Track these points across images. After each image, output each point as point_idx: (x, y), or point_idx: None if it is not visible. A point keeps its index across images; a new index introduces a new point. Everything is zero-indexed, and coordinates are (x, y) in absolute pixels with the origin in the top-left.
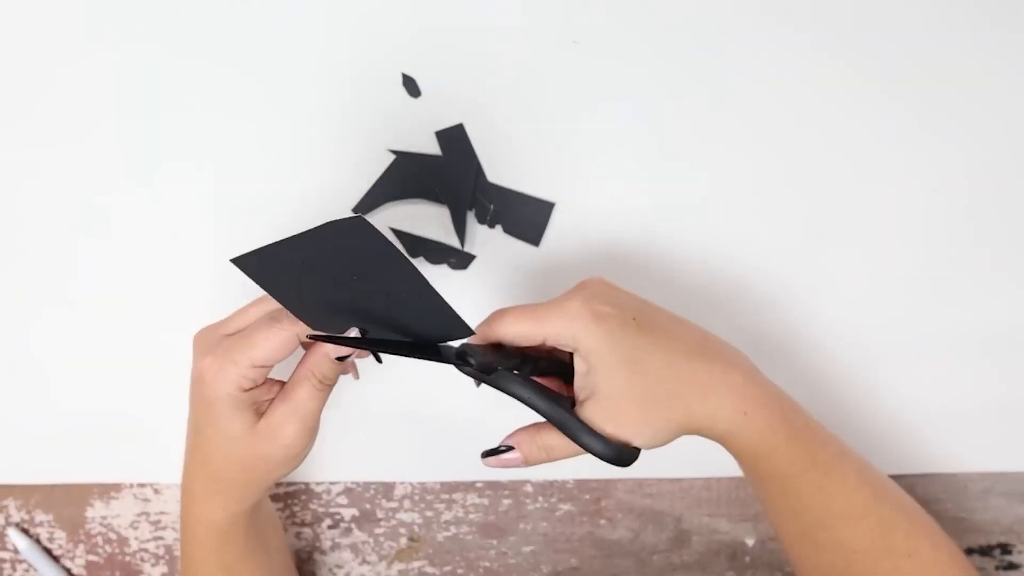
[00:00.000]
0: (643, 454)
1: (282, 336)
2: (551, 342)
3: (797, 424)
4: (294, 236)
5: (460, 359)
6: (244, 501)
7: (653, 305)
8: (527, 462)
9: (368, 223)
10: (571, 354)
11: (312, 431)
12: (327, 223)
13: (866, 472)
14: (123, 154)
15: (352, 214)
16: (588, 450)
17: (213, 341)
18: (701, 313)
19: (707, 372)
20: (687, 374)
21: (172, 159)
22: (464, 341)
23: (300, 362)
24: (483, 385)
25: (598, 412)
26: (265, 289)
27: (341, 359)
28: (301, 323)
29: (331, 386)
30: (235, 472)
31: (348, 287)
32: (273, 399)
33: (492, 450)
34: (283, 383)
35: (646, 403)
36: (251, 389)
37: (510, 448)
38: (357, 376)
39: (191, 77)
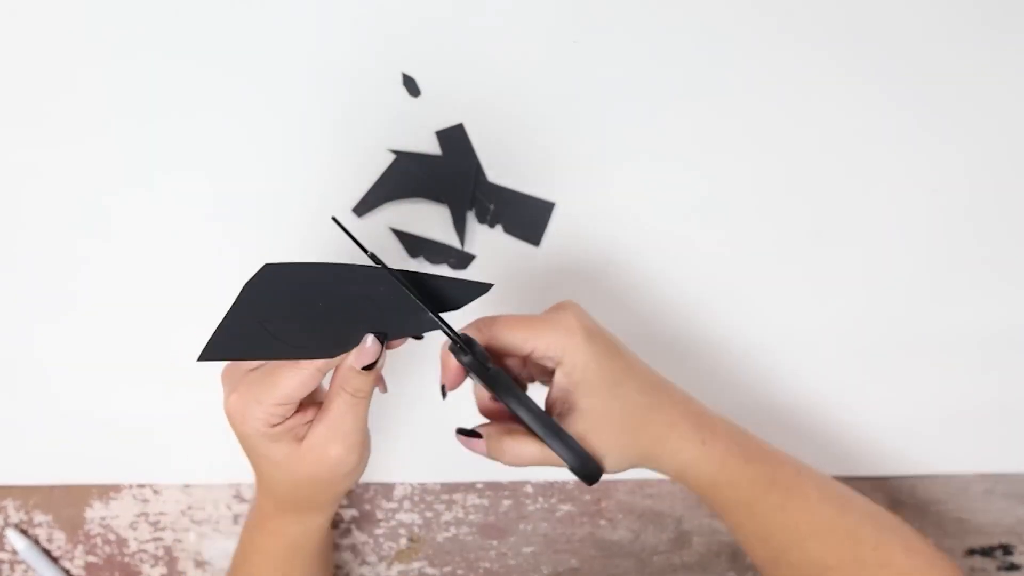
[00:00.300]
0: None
1: (303, 375)
2: (539, 353)
3: (751, 447)
4: (311, 265)
5: (464, 345)
6: (317, 516)
7: (618, 338)
8: (488, 455)
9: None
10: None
11: (358, 444)
12: (343, 265)
13: (828, 487)
14: (124, 155)
15: (371, 263)
16: (564, 459)
17: (237, 377)
18: (701, 313)
19: (671, 405)
20: (657, 404)
21: (173, 160)
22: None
23: (331, 380)
24: (447, 394)
25: (578, 426)
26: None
27: (367, 368)
28: (327, 360)
29: (365, 398)
30: (296, 494)
31: (355, 317)
32: (310, 422)
33: (468, 431)
34: (316, 401)
35: (620, 425)
36: (280, 423)
37: (479, 436)
38: (385, 389)
39: (191, 78)
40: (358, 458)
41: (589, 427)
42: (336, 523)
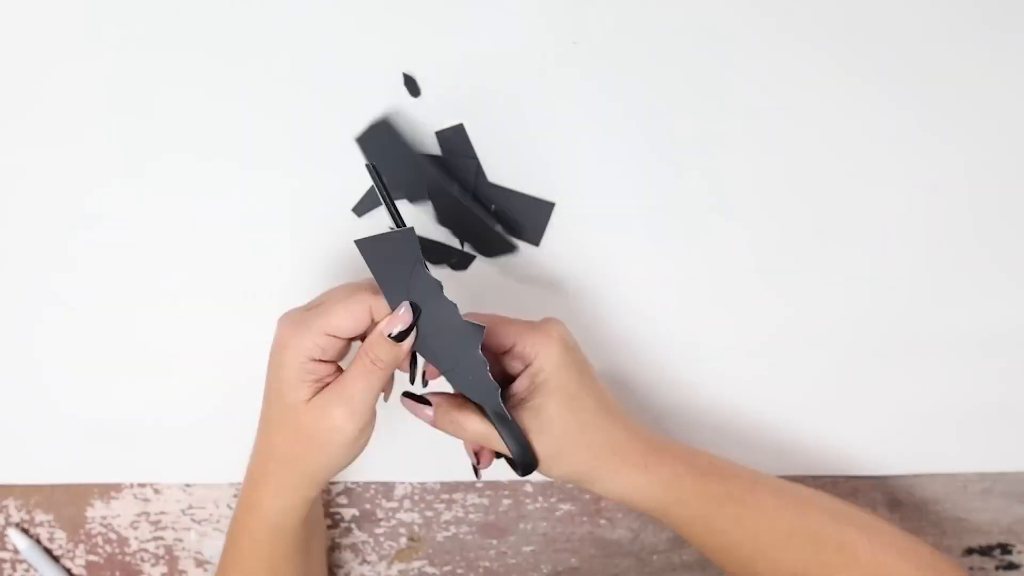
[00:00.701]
0: None
1: (357, 306)
2: (517, 350)
3: (699, 463)
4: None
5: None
6: (298, 490)
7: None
8: (434, 424)
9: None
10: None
11: (360, 416)
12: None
13: (785, 493)
14: (122, 154)
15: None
16: (506, 444)
17: (294, 315)
18: (701, 312)
19: (620, 430)
20: (605, 427)
21: (170, 159)
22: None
23: (360, 347)
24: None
25: (528, 421)
26: (373, 272)
27: (395, 338)
28: (377, 300)
29: (384, 369)
30: (289, 452)
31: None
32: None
33: (416, 396)
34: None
35: (566, 434)
36: (321, 361)
37: (428, 404)
38: (387, 397)
39: (188, 77)
40: (356, 431)
41: (537, 425)
42: (336, 522)
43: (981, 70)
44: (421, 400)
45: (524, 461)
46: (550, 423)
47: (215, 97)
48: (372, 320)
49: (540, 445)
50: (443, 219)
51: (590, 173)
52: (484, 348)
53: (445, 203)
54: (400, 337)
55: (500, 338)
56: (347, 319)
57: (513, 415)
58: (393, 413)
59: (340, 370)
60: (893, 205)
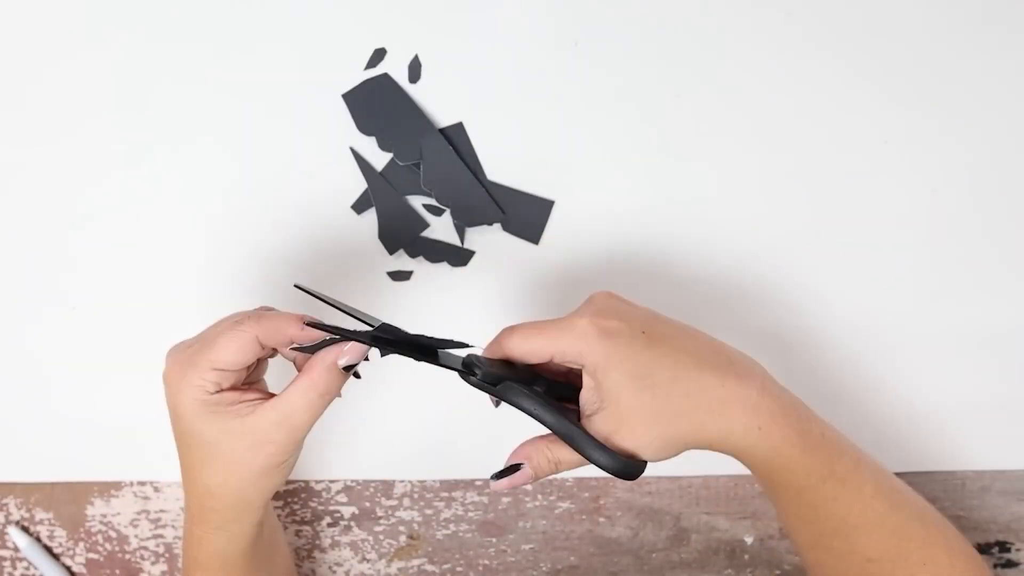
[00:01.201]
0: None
1: (242, 338)
2: (559, 359)
3: (812, 435)
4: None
5: (466, 369)
6: (240, 520)
7: (663, 317)
8: (536, 477)
9: None
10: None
11: (299, 443)
12: None
13: (883, 481)
14: (119, 153)
15: None
16: (593, 463)
17: (177, 351)
18: (702, 312)
19: (719, 387)
20: (697, 389)
21: (169, 158)
22: (471, 352)
23: (303, 370)
24: (500, 401)
25: (604, 426)
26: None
27: (348, 369)
28: (262, 326)
29: (330, 400)
30: (223, 484)
31: None
32: (254, 402)
33: (501, 472)
34: (260, 389)
35: (654, 418)
36: (217, 392)
37: (518, 466)
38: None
39: (186, 76)
40: (292, 454)
41: (616, 426)
42: (336, 520)
43: (984, 68)
44: (512, 470)
45: (622, 470)
46: (629, 417)
47: (214, 95)
48: (262, 347)
49: (630, 441)
50: (429, 179)
51: (590, 172)
52: (531, 370)
53: (438, 161)
54: (350, 369)
55: (535, 354)
56: (232, 352)
57: (596, 427)
58: (392, 412)
59: (253, 388)
60: (894, 204)
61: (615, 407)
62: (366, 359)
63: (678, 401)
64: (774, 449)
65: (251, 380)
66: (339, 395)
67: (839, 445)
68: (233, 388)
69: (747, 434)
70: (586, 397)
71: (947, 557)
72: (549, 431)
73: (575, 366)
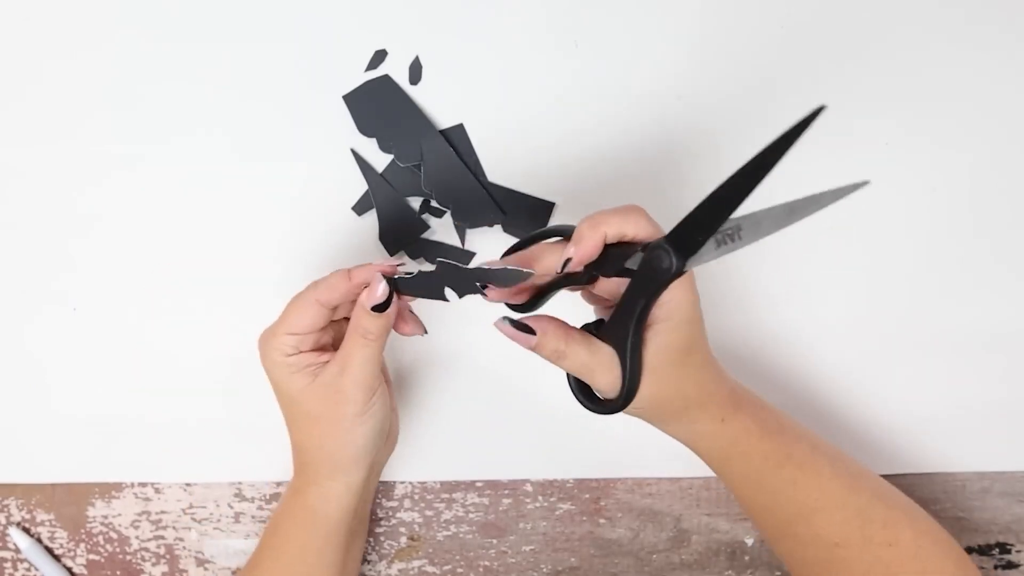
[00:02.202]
0: (643, 453)
1: (304, 302)
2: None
3: (769, 423)
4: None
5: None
6: (333, 476)
7: None
8: (535, 350)
9: None
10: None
11: (367, 383)
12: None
13: (839, 463)
14: (119, 153)
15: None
16: (620, 374)
17: (266, 330)
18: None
19: (712, 379)
20: (702, 379)
21: (169, 159)
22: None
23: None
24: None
25: (648, 356)
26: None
27: (377, 308)
28: (318, 289)
29: (377, 340)
30: (309, 440)
31: None
32: (326, 362)
33: (514, 323)
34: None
35: (671, 381)
36: (295, 355)
37: (531, 332)
38: (424, 331)
39: (187, 78)
40: (363, 397)
41: (648, 360)
42: None
43: (984, 68)
44: (524, 328)
45: (629, 390)
46: (663, 362)
47: (215, 96)
48: (323, 306)
49: (649, 379)
50: (430, 180)
51: (590, 174)
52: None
53: (438, 162)
54: (380, 308)
55: (640, 234)
56: (298, 316)
57: (649, 356)
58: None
59: (329, 350)
60: (894, 205)
61: (656, 350)
62: (445, 300)
63: (689, 382)
64: (733, 439)
65: (335, 342)
66: (421, 332)
67: (794, 431)
68: (311, 351)
69: (711, 423)
70: (658, 316)
71: (912, 536)
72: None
73: (675, 313)
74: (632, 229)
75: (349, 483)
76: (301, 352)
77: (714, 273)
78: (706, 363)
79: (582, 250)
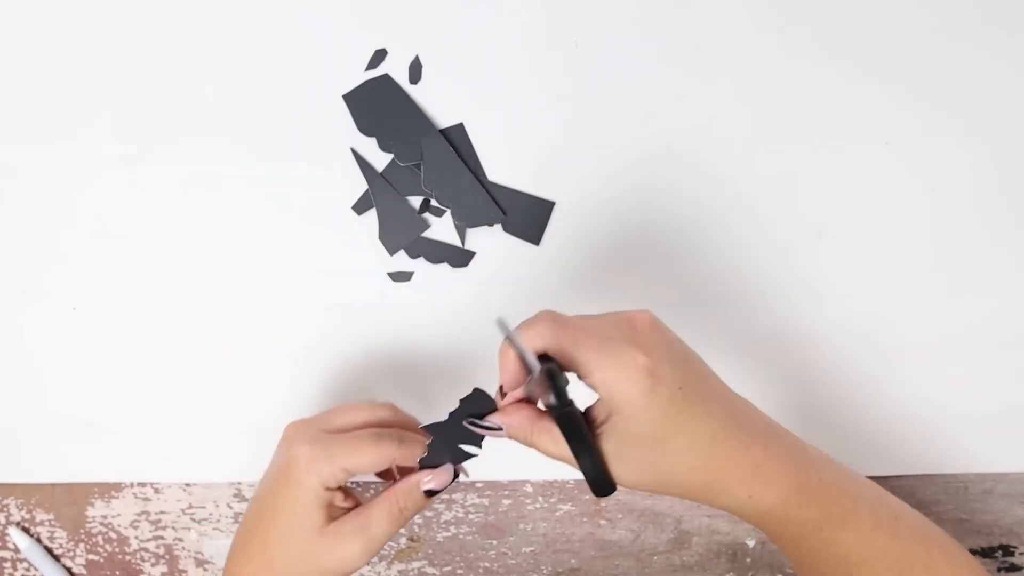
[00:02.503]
0: None
1: (384, 455)
2: (594, 384)
3: (810, 485)
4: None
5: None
6: None
7: (697, 364)
8: (510, 437)
9: None
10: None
11: (372, 553)
12: None
13: (881, 511)
14: (119, 153)
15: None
16: (584, 471)
17: (312, 434)
18: (702, 312)
19: (724, 458)
20: (699, 466)
21: (169, 159)
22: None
23: (389, 487)
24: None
25: (611, 451)
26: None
27: (430, 493)
28: (401, 452)
29: (408, 519)
30: (289, 569)
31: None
32: (347, 509)
33: (481, 424)
34: (356, 498)
35: (651, 470)
36: (334, 489)
37: (497, 429)
38: (467, 473)
39: (186, 77)
40: (362, 563)
41: (612, 452)
42: None
43: (984, 68)
44: (487, 428)
45: (603, 491)
46: (631, 459)
47: (214, 95)
48: (390, 464)
49: (619, 472)
50: (430, 179)
51: (590, 173)
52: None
53: (438, 161)
54: (432, 493)
55: (578, 366)
56: (371, 463)
57: (605, 448)
58: None
59: (348, 494)
60: (895, 205)
61: (619, 442)
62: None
63: (680, 471)
64: (766, 511)
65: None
66: (467, 474)
67: (836, 485)
68: (340, 488)
69: (735, 501)
70: (597, 414)
71: (949, 573)
72: (545, 410)
73: (595, 390)
74: (538, 342)
75: None
76: (338, 489)
77: (714, 275)
78: (703, 442)
79: (505, 377)
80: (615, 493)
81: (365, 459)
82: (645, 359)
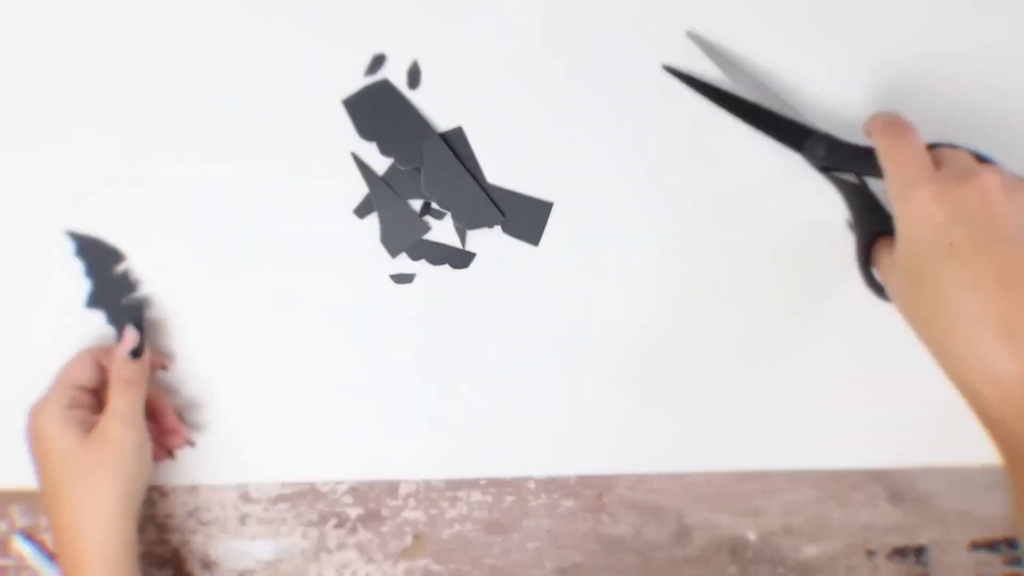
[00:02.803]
0: (645, 449)
1: (83, 356)
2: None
3: None
4: None
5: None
6: (120, 514)
7: (998, 218)
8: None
9: None
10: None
11: (135, 427)
12: None
13: None
14: (119, 159)
15: None
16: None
17: (40, 396)
18: (702, 311)
19: (977, 341)
20: (970, 305)
21: (169, 165)
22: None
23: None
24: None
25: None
26: None
27: (135, 355)
28: (104, 347)
29: (136, 384)
30: (89, 489)
31: None
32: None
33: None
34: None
35: (921, 302)
36: (76, 408)
37: None
38: (166, 366)
39: (185, 83)
40: (138, 438)
41: (891, 277)
42: (342, 522)
43: (984, 67)
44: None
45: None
46: (896, 279)
47: (213, 101)
48: (99, 364)
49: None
50: (430, 183)
51: (589, 174)
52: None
53: (438, 165)
54: (135, 354)
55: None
56: (78, 369)
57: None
58: (397, 412)
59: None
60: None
61: (900, 274)
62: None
63: (942, 312)
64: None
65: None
66: (167, 367)
67: None
68: (84, 409)
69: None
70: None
71: None
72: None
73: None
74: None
75: (129, 512)
76: (78, 408)
77: (714, 274)
78: (974, 284)
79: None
80: (618, 488)
81: (72, 367)
82: (933, 186)
